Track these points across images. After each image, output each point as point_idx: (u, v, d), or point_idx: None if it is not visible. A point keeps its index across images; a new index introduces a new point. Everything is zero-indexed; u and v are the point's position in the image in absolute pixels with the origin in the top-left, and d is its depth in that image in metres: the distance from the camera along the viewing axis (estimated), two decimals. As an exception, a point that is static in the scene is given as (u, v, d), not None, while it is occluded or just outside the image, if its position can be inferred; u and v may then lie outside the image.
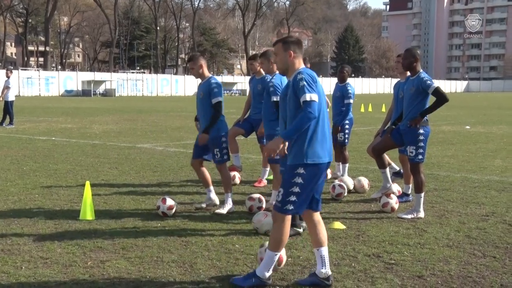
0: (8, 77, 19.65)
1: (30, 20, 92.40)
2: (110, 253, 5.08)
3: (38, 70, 69.00)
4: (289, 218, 4.22)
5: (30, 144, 13.59)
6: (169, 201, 6.43)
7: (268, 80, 6.93)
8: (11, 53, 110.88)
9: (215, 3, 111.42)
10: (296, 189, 4.11)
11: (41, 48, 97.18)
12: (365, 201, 7.50)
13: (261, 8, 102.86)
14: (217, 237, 5.61)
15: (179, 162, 10.82)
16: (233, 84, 78.05)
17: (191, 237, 5.58)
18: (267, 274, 4.25)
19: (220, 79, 78.84)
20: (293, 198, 4.12)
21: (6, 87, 19.31)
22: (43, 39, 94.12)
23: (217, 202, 6.89)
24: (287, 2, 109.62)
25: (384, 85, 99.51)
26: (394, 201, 6.75)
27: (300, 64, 4.29)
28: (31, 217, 6.37)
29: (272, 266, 4.27)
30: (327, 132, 4.25)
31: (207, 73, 6.67)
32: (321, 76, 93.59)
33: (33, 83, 61.73)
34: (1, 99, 19.15)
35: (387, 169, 7.06)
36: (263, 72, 7.41)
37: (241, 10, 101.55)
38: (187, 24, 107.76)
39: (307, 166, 4.13)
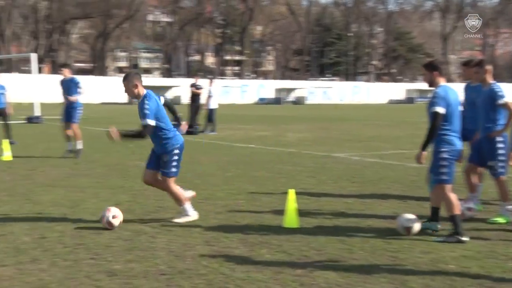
0: (210, 86, 21.14)
1: (228, 31, 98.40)
2: (317, 263, 5.13)
3: (234, 79, 73.16)
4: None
5: (231, 151, 14.37)
6: (115, 211, 6.28)
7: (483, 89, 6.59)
8: (210, 63, 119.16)
9: (411, 5, 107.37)
10: None
11: (237, 58, 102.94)
12: None
13: (463, 8, 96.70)
14: (428, 255, 5.38)
15: (377, 173, 10.66)
16: (430, 91, 74.93)
17: (399, 253, 5.43)
18: None
19: (416, 86, 76.27)
20: None
21: (209, 96, 20.77)
22: (238, 48, 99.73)
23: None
24: (495, 1, 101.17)
25: None
26: None
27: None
28: (238, 221, 6.71)
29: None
30: None
31: (142, 92, 6.36)
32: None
33: (230, 92, 65.65)
34: (205, 107, 20.62)
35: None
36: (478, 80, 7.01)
37: (442, 11, 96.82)
38: (380, 29, 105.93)
39: None
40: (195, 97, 21.08)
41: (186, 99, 31.41)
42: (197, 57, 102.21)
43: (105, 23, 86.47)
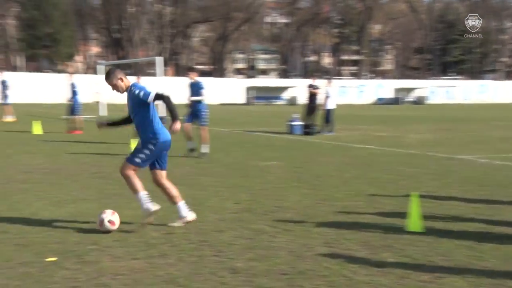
0: (328, 86, 21.06)
1: (345, 30, 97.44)
2: (444, 269, 4.91)
3: (351, 79, 72.37)
4: None
5: (349, 152, 14.18)
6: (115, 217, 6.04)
7: None
8: (326, 63, 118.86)
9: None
10: None
11: (354, 57, 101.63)
12: None
13: None
14: None
15: (508, 177, 10.04)
16: None
17: (536, 263, 5.07)
18: None
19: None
20: None
21: (327, 96, 20.71)
22: (355, 48, 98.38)
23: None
24: None
25: None
26: None
27: None
28: (358, 223, 6.57)
29: None
30: None
31: (128, 83, 6.25)
32: None
33: (347, 92, 65.00)
34: (322, 108, 20.57)
35: None
36: None
37: None
38: (511, 24, 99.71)
39: None
40: (312, 97, 21.07)
41: (302, 99, 31.46)
42: (313, 58, 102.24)
43: (225, 26, 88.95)
